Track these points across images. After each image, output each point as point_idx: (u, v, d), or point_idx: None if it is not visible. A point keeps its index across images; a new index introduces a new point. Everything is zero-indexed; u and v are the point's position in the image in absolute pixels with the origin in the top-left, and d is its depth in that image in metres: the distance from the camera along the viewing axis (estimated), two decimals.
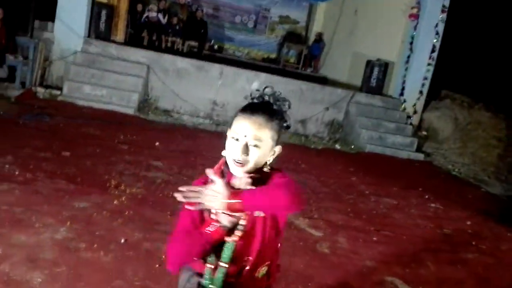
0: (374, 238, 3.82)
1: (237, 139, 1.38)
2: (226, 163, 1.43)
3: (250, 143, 1.38)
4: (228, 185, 1.35)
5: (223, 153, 1.44)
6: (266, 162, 1.44)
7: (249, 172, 1.40)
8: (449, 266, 3.52)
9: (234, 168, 1.40)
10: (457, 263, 3.61)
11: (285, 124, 1.50)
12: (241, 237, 1.38)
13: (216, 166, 1.46)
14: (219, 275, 1.40)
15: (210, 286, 1.41)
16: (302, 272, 2.95)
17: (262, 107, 1.44)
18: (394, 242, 3.84)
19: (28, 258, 2.48)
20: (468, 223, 4.73)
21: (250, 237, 1.39)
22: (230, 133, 1.41)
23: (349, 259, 3.30)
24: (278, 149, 1.47)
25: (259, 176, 1.40)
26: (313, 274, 2.96)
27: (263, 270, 1.46)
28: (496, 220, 4.98)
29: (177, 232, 1.43)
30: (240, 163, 1.38)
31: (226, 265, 1.39)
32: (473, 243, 4.16)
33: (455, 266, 3.54)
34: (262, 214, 1.39)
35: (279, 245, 1.49)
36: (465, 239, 4.24)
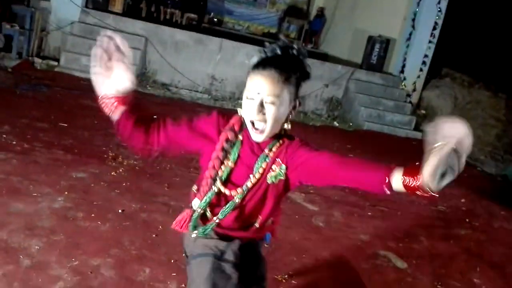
0: (369, 213, 3.87)
1: (251, 98, 1.32)
2: (241, 121, 1.39)
3: (265, 100, 1.31)
4: (248, 141, 1.37)
5: (239, 111, 1.39)
6: (287, 118, 1.38)
7: (269, 136, 1.36)
8: (442, 242, 3.58)
9: (253, 134, 1.36)
10: (450, 239, 3.67)
11: (303, 74, 1.42)
12: (250, 200, 1.39)
13: (233, 120, 1.40)
14: (209, 227, 1.44)
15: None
16: (297, 244, 3.00)
17: (275, 61, 1.35)
18: (389, 217, 3.89)
19: (26, 226, 2.51)
20: (463, 200, 4.79)
21: (263, 201, 1.40)
22: (244, 93, 1.34)
23: (343, 233, 3.35)
24: (298, 103, 1.40)
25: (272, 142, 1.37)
26: (308, 246, 3.01)
27: (269, 221, 1.51)
28: (490, 199, 5.04)
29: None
30: (259, 129, 1.33)
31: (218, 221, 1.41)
32: (467, 220, 4.22)
33: (448, 242, 3.61)
34: (277, 181, 1.38)
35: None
36: (458, 216, 4.30)
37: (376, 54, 8.40)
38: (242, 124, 1.40)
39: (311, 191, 4.10)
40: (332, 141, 6.34)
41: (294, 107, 1.39)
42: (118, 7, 8.60)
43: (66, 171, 3.34)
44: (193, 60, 7.72)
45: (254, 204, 1.41)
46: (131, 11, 9.06)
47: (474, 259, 3.40)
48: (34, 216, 2.64)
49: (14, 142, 3.66)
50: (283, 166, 1.37)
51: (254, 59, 1.37)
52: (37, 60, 6.97)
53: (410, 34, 8.28)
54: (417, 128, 7.98)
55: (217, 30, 10.35)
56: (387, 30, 8.69)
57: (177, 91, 7.43)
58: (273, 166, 1.37)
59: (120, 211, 2.91)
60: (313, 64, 7.37)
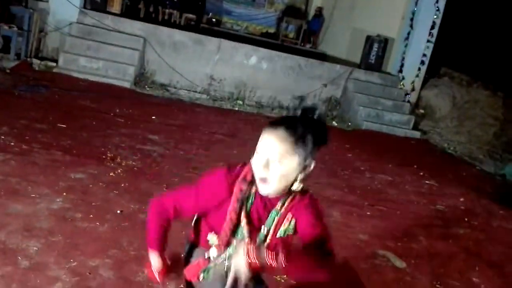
0: (368, 213, 3.87)
1: (259, 154, 1.33)
2: (252, 175, 1.38)
3: (271, 158, 1.30)
4: (260, 195, 1.37)
5: (252, 162, 1.37)
6: (296, 179, 1.35)
7: (278, 193, 1.35)
8: (441, 241, 3.58)
9: (260, 186, 1.35)
10: (448, 238, 3.67)
11: (320, 138, 1.37)
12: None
13: (245, 172, 1.39)
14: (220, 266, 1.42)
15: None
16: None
17: (288, 121, 1.34)
18: (388, 217, 3.89)
19: (24, 227, 2.51)
20: (461, 199, 4.79)
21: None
22: (258, 145, 1.34)
23: (342, 233, 3.35)
24: (311, 165, 1.36)
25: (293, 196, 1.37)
26: None
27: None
28: (488, 198, 5.05)
29: (167, 197, 1.46)
30: (263, 179, 1.32)
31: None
32: (465, 219, 4.22)
33: (446, 241, 3.61)
34: (285, 235, 1.40)
35: None
36: (457, 215, 4.31)
37: (375, 54, 8.40)
38: (253, 176, 1.37)
39: (311, 191, 4.10)
40: (331, 141, 6.32)
41: (305, 168, 1.35)
42: (116, 7, 8.60)
43: (64, 172, 3.34)
44: (191, 61, 7.72)
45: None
46: (129, 12, 9.06)
47: (473, 258, 3.40)
48: (32, 217, 2.63)
49: (12, 143, 3.66)
50: (293, 221, 1.39)
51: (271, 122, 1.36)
52: (36, 61, 6.96)
53: (409, 33, 8.28)
54: (416, 127, 7.99)
55: (215, 30, 10.35)
56: (386, 29, 8.70)
57: (175, 91, 7.43)
58: (285, 221, 1.39)
59: (118, 211, 2.90)
60: (312, 64, 7.39)
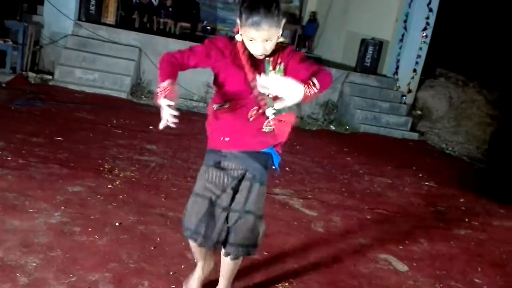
0: (368, 217, 3.86)
1: (250, 37, 1.73)
2: (243, 45, 1.81)
3: (261, 39, 1.72)
4: (251, 59, 1.80)
5: (237, 37, 1.82)
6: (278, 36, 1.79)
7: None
8: (442, 243, 3.57)
9: (255, 53, 1.79)
10: (450, 240, 3.66)
11: (280, 10, 1.77)
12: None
13: (238, 47, 1.82)
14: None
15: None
16: (297, 251, 2.99)
17: (261, 3, 1.70)
18: (388, 220, 3.88)
19: (22, 243, 2.49)
20: (461, 200, 4.78)
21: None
22: (244, 34, 1.76)
23: (343, 237, 3.34)
24: (283, 23, 1.80)
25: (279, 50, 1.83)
26: (308, 253, 2.99)
27: (270, 124, 1.90)
28: (488, 197, 5.04)
29: (179, 53, 1.83)
30: (259, 55, 1.78)
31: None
32: (466, 219, 4.21)
33: (448, 243, 3.59)
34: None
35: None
36: (458, 216, 4.29)
37: (370, 57, 8.43)
38: (244, 46, 1.81)
39: (309, 196, 4.10)
40: (329, 145, 6.34)
41: (281, 29, 1.79)
42: (111, 18, 8.63)
43: (62, 185, 3.32)
44: (188, 70, 7.72)
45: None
46: (124, 23, 9.09)
47: (475, 259, 3.38)
48: (30, 233, 2.61)
49: (9, 158, 3.65)
50: (282, 65, 1.83)
51: (247, 6, 1.74)
52: (31, 75, 6.97)
53: (403, 35, 8.32)
54: (413, 128, 8.00)
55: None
56: (380, 32, 8.74)
57: None
58: (276, 66, 1.82)
59: (117, 224, 2.89)
60: None
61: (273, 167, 2.00)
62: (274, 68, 1.83)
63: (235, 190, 1.89)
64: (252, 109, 1.85)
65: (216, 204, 1.88)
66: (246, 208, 1.87)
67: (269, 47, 1.76)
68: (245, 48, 1.82)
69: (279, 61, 1.83)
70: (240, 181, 1.89)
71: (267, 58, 1.82)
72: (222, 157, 1.92)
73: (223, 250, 1.97)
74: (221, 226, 1.87)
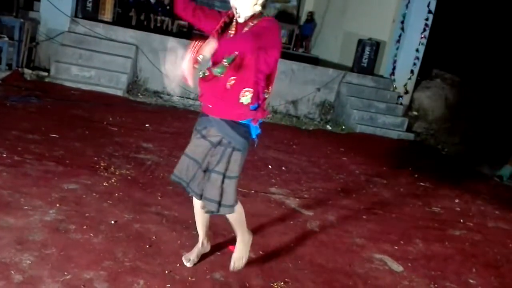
0: (364, 217, 3.87)
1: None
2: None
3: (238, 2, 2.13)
4: (236, 24, 2.22)
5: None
6: (255, 6, 2.15)
7: (246, 18, 2.18)
8: (437, 243, 3.59)
9: (237, 17, 2.19)
10: (445, 240, 3.67)
11: None
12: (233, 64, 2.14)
13: (229, 12, 2.24)
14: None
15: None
16: (293, 250, 2.99)
17: None
18: (383, 220, 3.89)
19: (17, 241, 2.47)
20: (457, 201, 4.81)
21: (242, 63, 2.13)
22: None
23: (338, 237, 3.34)
24: None
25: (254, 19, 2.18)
26: (303, 252, 2.99)
27: (246, 95, 2.17)
28: (483, 198, 5.06)
29: None
30: (238, 14, 2.17)
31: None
32: (461, 220, 4.23)
33: (443, 243, 3.61)
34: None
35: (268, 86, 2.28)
36: (453, 216, 4.31)
37: (367, 57, 8.44)
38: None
39: (306, 196, 4.10)
40: (326, 145, 6.35)
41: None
42: (107, 15, 8.59)
43: (57, 182, 3.31)
44: None
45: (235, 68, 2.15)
46: (121, 20, 9.05)
47: (470, 260, 3.40)
48: (25, 230, 2.60)
49: (4, 155, 3.62)
50: (249, 26, 2.15)
51: None
52: (27, 71, 6.92)
53: (400, 36, 8.33)
54: (410, 129, 8.02)
55: (208, 36, 10.33)
56: (377, 33, 8.75)
57: (169, 98, 7.42)
58: (250, 23, 2.17)
59: (112, 222, 2.88)
60: (304, 68, 7.48)
61: (252, 138, 2.30)
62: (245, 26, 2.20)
63: (211, 155, 2.26)
64: (230, 78, 2.15)
65: (197, 164, 2.30)
66: (216, 168, 2.22)
67: (240, 7, 2.14)
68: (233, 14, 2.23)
69: (251, 24, 2.18)
70: (218, 145, 2.24)
71: (249, 24, 2.18)
72: (208, 121, 2.28)
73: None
74: (200, 180, 2.30)
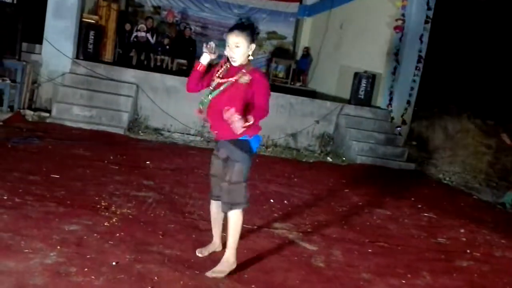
0: (369, 250, 3.81)
1: (228, 45, 2.74)
2: (228, 60, 2.80)
3: (234, 45, 2.73)
4: (229, 67, 2.81)
5: (225, 52, 2.79)
6: (248, 55, 2.78)
7: (240, 64, 2.77)
8: (445, 275, 3.51)
9: (232, 62, 2.78)
10: (452, 272, 3.60)
11: (256, 32, 2.81)
12: (227, 91, 2.76)
13: (222, 61, 2.85)
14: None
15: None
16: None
17: (237, 26, 2.76)
18: (389, 253, 3.83)
19: (18, 285, 2.42)
20: (462, 231, 4.74)
21: (235, 95, 2.73)
22: (226, 43, 2.75)
23: (344, 272, 3.28)
24: (253, 46, 2.77)
25: (246, 68, 2.77)
26: None
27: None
28: (489, 227, 5.00)
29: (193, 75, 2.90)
30: (233, 58, 2.75)
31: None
32: (468, 251, 4.16)
33: (450, 275, 3.53)
34: (245, 81, 2.73)
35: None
36: (459, 247, 4.24)
37: (363, 89, 8.57)
38: (228, 60, 2.81)
39: (309, 230, 4.05)
40: (327, 177, 6.34)
41: (251, 48, 2.77)
42: (108, 56, 8.81)
43: (58, 224, 3.28)
44: (184, 104, 7.80)
45: (229, 95, 2.74)
46: (121, 60, 9.26)
47: None
48: (25, 274, 2.55)
49: (5, 197, 3.61)
50: (249, 77, 2.73)
51: (229, 29, 2.78)
52: (29, 112, 7.01)
53: (395, 68, 8.50)
54: (410, 159, 8.03)
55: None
56: (372, 65, 8.93)
57: (169, 135, 7.47)
58: (245, 76, 2.73)
59: (114, 263, 2.83)
60: (302, 102, 7.60)
61: (253, 151, 2.88)
62: (241, 76, 2.75)
63: (224, 167, 2.90)
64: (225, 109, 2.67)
65: (217, 178, 2.97)
66: (226, 178, 2.84)
67: (237, 54, 2.73)
68: (227, 61, 2.83)
69: (246, 73, 2.74)
70: (227, 160, 2.86)
71: (243, 70, 2.76)
72: (220, 144, 2.94)
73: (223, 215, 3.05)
74: (219, 188, 2.91)
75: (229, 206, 2.84)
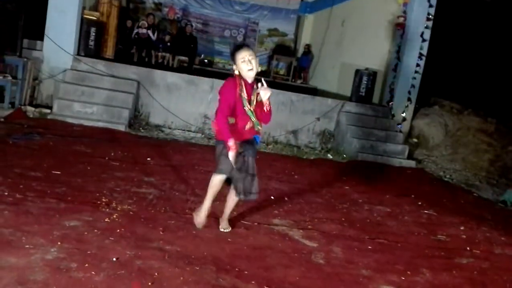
0: (369, 247, 3.81)
1: (244, 60, 3.21)
2: (240, 77, 3.27)
3: (250, 57, 3.21)
4: (246, 86, 3.28)
5: (235, 72, 3.28)
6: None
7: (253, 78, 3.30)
8: (445, 272, 3.52)
9: (248, 75, 3.26)
10: (452, 269, 3.60)
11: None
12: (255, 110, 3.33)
13: (237, 81, 3.26)
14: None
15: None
16: (298, 284, 2.93)
17: (243, 44, 4.00)
18: (389, 249, 3.83)
19: (18, 281, 2.43)
20: (462, 228, 4.75)
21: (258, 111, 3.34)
22: (239, 60, 3.23)
23: (344, 269, 3.28)
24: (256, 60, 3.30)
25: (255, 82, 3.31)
26: (309, 286, 2.93)
27: (260, 126, 3.39)
28: (488, 225, 5.00)
29: (222, 113, 3.26)
30: (251, 69, 3.22)
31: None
32: (468, 248, 4.16)
33: (450, 272, 3.54)
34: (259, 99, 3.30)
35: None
36: (459, 244, 4.25)
37: (364, 86, 8.56)
38: (241, 77, 3.27)
39: (309, 226, 4.06)
40: (327, 174, 6.34)
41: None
42: (109, 53, 8.80)
43: (59, 220, 3.29)
44: (185, 101, 7.82)
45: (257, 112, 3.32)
46: (122, 56, 9.25)
47: None
48: (26, 269, 2.56)
49: (6, 193, 3.62)
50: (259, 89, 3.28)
51: (236, 48, 3.33)
52: (30, 109, 7.02)
53: (396, 65, 8.48)
54: (411, 156, 8.03)
55: (208, 70, 10.56)
56: (373, 62, 8.92)
57: (170, 132, 7.48)
58: (261, 93, 3.26)
59: (114, 259, 2.84)
60: (303, 99, 7.66)
61: (257, 143, 3.46)
62: (258, 94, 3.29)
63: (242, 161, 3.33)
64: (247, 123, 3.32)
65: (240, 172, 3.34)
66: (243, 170, 3.30)
67: (254, 63, 3.23)
68: (240, 78, 3.26)
69: (255, 87, 3.31)
70: (243, 155, 3.30)
71: (254, 87, 3.29)
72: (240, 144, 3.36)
73: (234, 193, 3.48)
74: (245, 183, 3.35)
75: (244, 195, 3.44)
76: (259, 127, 3.34)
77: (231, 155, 3.17)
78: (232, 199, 3.52)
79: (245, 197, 3.37)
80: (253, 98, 3.26)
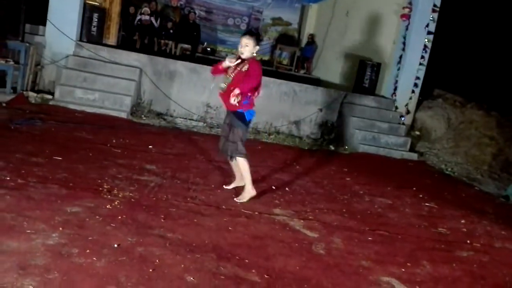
0: (369, 238, 3.82)
1: (240, 45, 3.90)
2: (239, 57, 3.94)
3: (244, 45, 3.88)
4: (240, 59, 3.95)
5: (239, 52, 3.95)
6: (253, 53, 3.90)
7: (246, 58, 3.91)
8: (445, 265, 3.52)
9: (242, 56, 3.91)
10: (452, 262, 3.61)
11: (259, 38, 4.18)
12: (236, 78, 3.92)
13: (237, 55, 3.96)
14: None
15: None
16: (298, 274, 2.94)
17: (248, 32, 4.03)
18: (389, 241, 3.84)
19: (19, 265, 2.44)
20: (463, 221, 4.75)
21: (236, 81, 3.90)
22: (240, 45, 3.94)
23: (344, 260, 3.29)
24: (257, 48, 3.92)
25: (247, 60, 3.92)
26: (309, 276, 2.94)
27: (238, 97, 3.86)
28: (489, 218, 5.00)
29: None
30: (242, 54, 3.89)
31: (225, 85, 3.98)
32: (468, 241, 4.17)
33: (450, 265, 3.55)
34: (244, 70, 3.92)
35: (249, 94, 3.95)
36: (459, 237, 4.25)
37: (368, 78, 8.51)
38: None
39: (310, 217, 4.06)
40: (329, 165, 6.33)
41: (255, 49, 3.93)
42: (112, 39, 8.73)
43: (60, 205, 3.29)
44: (187, 89, 7.78)
45: (236, 79, 3.90)
46: (125, 43, 9.19)
47: (479, 282, 3.34)
48: (27, 254, 2.57)
49: (8, 178, 3.62)
50: (248, 66, 3.89)
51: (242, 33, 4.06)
52: (32, 94, 7.00)
53: (401, 57, 8.42)
54: (413, 149, 8.01)
55: (211, 59, 10.50)
56: (378, 54, 8.85)
57: (172, 120, 7.46)
58: (244, 66, 3.90)
59: (115, 245, 2.85)
60: (306, 89, 7.63)
61: (245, 120, 4.01)
62: (244, 65, 3.92)
63: (228, 130, 4.09)
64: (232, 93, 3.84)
65: (224, 137, 4.15)
66: (229, 139, 4.03)
67: (245, 52, 3.88)
68: (239, 57, 3.96)
69: (247, 64, 3.90)
70: (229, 125, 4.06)
71: (245, 61, 3.93)
72: (227, 114, 4.14)
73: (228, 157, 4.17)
74: (225, 146, 4.11)
75: (229, 155, 4.09)
76: (234, 102, 3.83)
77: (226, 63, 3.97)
78: (232, 164, 4.24)
79: (228, 155, 4.15)
80: (235, 73, 3.92)
